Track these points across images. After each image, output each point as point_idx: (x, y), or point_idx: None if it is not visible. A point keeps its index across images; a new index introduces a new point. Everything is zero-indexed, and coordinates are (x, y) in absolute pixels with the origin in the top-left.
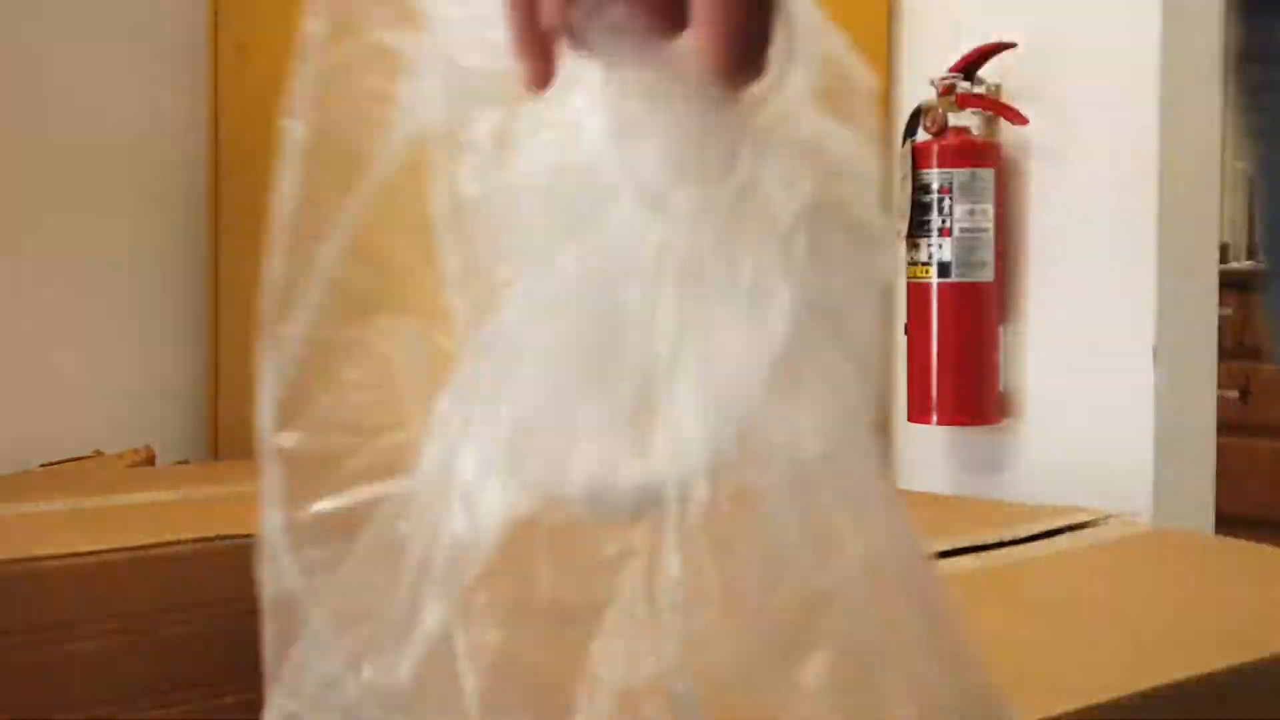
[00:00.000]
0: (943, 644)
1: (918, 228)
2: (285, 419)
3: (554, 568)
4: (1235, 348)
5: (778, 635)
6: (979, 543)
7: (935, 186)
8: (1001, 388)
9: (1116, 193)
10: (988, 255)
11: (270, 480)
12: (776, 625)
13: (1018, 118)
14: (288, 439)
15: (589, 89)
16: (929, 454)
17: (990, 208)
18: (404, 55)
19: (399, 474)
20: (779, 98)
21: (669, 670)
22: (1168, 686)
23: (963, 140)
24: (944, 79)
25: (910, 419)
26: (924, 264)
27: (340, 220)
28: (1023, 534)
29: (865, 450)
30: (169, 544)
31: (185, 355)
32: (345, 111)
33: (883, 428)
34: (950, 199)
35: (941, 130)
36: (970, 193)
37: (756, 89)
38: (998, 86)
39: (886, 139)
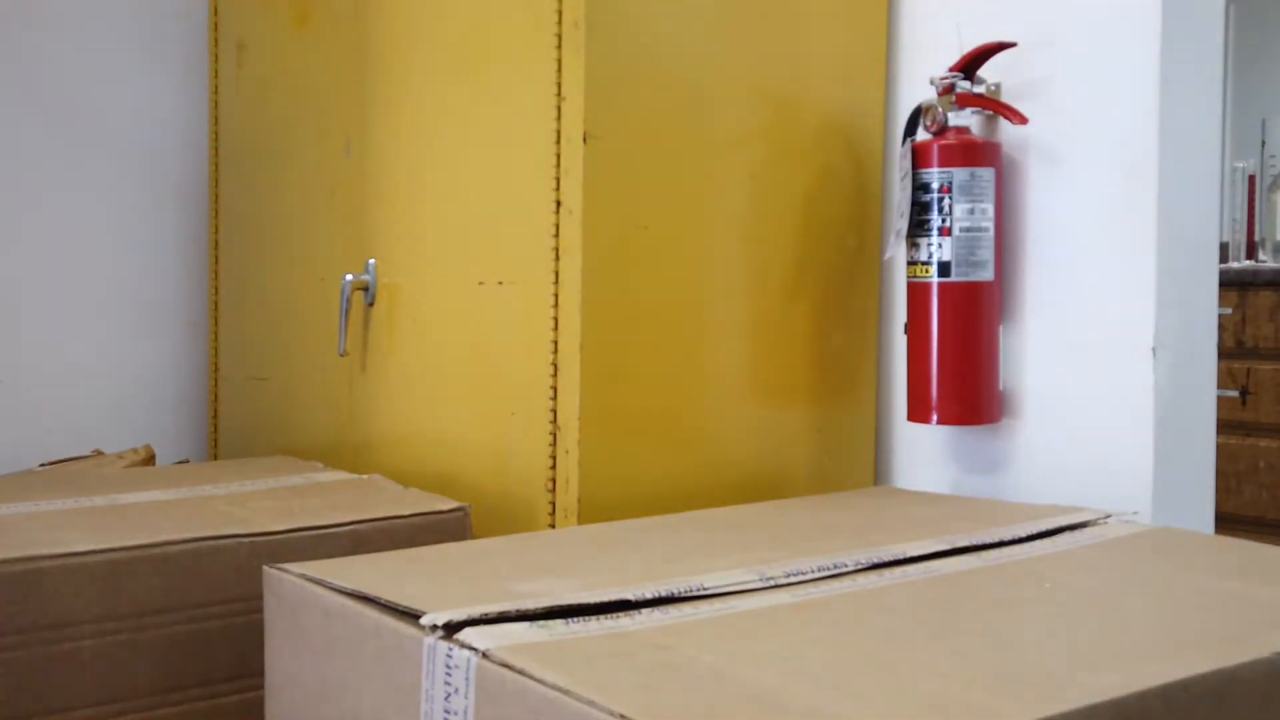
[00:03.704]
0: None
1: (918, 227)
2: None
3: None
4: (1235, 348)
5: None
6: (979, 543)
7: (935, 186)
8: (1001, 388)
9: (1116, 193)
10: (988, 255)
11: None
12: None
13: (1018, 117)
14: None
15: None
16: (929, 454)
17: (990, 207)
18: None
19: None
20: None
21: None
22: (1167, 686)
23: (963, 140)
24: (944, 78)
25: (910, 419)
26: (924, 264)
27: None
28: (1023, 534)
29: None
30: (169, 544)
31: (185, 355)
32: None
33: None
34: (950, 198)
35: (941, 130)
36: (970, 192)
37: None
38: (998, 86)
39: (886, 139)
